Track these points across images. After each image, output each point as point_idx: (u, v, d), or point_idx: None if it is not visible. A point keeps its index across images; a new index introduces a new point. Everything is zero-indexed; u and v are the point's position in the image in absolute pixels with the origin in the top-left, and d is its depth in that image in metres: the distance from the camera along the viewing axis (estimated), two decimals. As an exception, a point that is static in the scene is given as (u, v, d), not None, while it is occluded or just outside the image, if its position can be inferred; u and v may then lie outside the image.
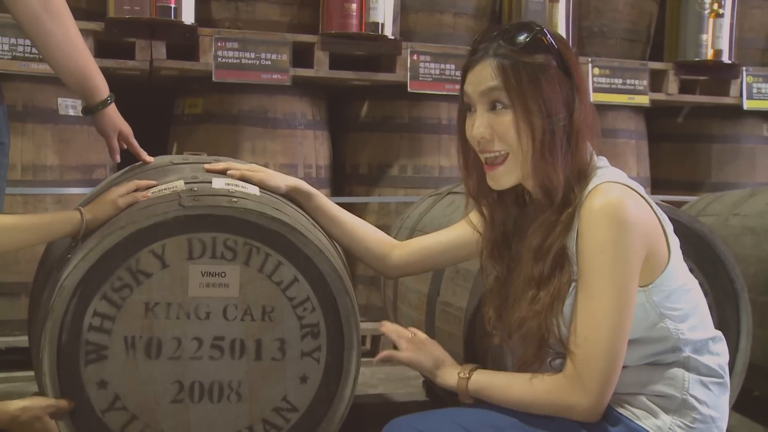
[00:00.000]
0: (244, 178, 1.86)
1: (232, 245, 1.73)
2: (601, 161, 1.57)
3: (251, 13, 3.21)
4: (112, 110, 1.98)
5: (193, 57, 3.13)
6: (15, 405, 1.58)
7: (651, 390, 1.52)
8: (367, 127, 3.56)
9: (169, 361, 1.72)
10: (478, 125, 1.51)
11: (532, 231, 1.52)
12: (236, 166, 1.91)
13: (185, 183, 1.79)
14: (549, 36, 1.50)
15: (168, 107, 3.50)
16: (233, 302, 1.74)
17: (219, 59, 3.09)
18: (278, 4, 3.22)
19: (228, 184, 1.81)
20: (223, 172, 1.89)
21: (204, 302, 1.73)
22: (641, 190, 1.52)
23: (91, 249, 1.63)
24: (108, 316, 1.68)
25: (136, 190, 1.77)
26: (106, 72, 3.10)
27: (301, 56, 3.19)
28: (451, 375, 1.62)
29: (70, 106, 3.20)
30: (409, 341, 1.71)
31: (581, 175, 1.50)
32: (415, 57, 3.27)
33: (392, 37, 3.19)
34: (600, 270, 1.42)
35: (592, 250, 1.43)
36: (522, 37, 1.49)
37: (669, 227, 1.54)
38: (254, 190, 1.83)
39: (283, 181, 1.91)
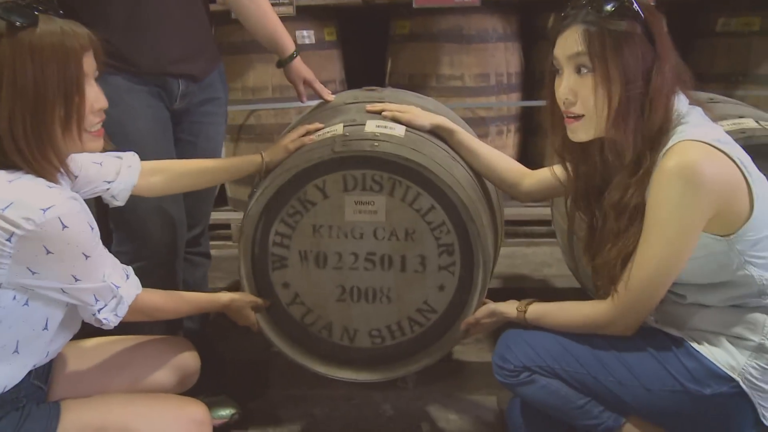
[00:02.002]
0: (394, 119, 1.89)
1: (378, 179, 1.79)
2: (689, 115, 1.39)
3: (445, -59, 3.08)
4: (298, 62, 2.08)
5: (399, -14, 3.11)
6: (226, 296, 1.79)
7: (731, 331, 1.43)
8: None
9: (333, 270, 1.86)
10: (564, 87, 1.44)
11: (611, 189, 1.47)
12: (390, 107, 1.94)
13: (344, 126, 1.85)
14: (636, 4, 1.35)
15: (386, 29, 3.52)
16: (381, 225, 1.82)
17: (418, -13, 3.03)
18: (469, -69, 3.04)
19: (378, 126, 1.85)
20: (379, 113, 1.91)
21: (358, 225, 1.82)
22: (726, 145, 1.33)
23: (267, 186, 1.78)
24: (286, 235, 1.84)
25: (306, 134, 1.85)
26: (330, 6, 3.23)
27: (490, -22, 3.03)
28: (511, 309, 1.61)
29: (306, 37, 3.35)
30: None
31: (657, 137, 1.37)
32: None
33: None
34: (658, 222, 1.35)
35: (656, 205, 1.35)
36: (609, 6, 1.37)
37: (756, 179, 1.36)
38: (401, 130, 1.85)
39: (428, 120, 1.91)
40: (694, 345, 1.43)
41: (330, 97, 2.15)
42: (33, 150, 1.29)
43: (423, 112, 1.94)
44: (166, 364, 1.66)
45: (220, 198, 3.64)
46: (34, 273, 1.28)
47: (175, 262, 1.96)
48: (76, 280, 1.33)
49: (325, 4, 3.21)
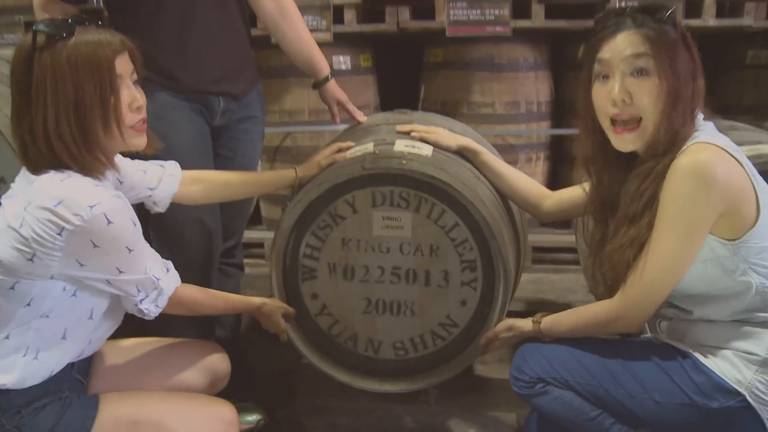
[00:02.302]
0: (422, 139, 1.96)
1: (405, 196, 1.87)
2: (704, 126, 1.49)
3: (479, -24, 3.19)
4: (332, 84, 2.18)
5: (432, 17, 3.21)
6: (259, 300, 1.85)
7: (737, 346, 1.47)
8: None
9: (360, 283, 1.94)
10: (619, 89, 1.47)
11: (631, 178, 1.52)
12: (419, 128, 2.02)
13: (374, 145, 1.93)
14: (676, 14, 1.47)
15: (420, 57, 3.63)
16: (407, 241, 1.90)
17: (451, 17, 3.14)
18: (501, -35, 3.15)
19: (407, 146, 1.93)
20: (408, 134, 2.00)
21: (385, 240, 1.90)
22: (737, 152, 1.42)
23: (299, 199, 1.87)
24: (316, 247, 1.92)
25: (338, 151, 1.94)
26: (366, 34, 3.33)
27: (521, 9, 3.13)
28: (527, 323, 1.67)
29: (342, 62, 3.46)
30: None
31: (687, 136, 1.45)
32: (623, 3, 3.03)
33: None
34: (669, 216, 1.41)
35: (668, 200, 1.41)
36: (662, 13, 1.46)
37: (763, 188, 1.42)
38: (428, 150, 1.93)
39: (454, 141, 1.98)
40: (702, 359, 1.47)
41: (362, 118, 2.24)
42: (80, 148, 1.39)
43: (450, 133, 2.02)
44: (198, 365, 1.74)
45: (255, 217, 3.74)
46: (82, 265, 1.38)
47: (210, 271, 2.05)
48: (120, 272, 1.42)
49: (361, 32, 3.32)
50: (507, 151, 3.32)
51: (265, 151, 3.56)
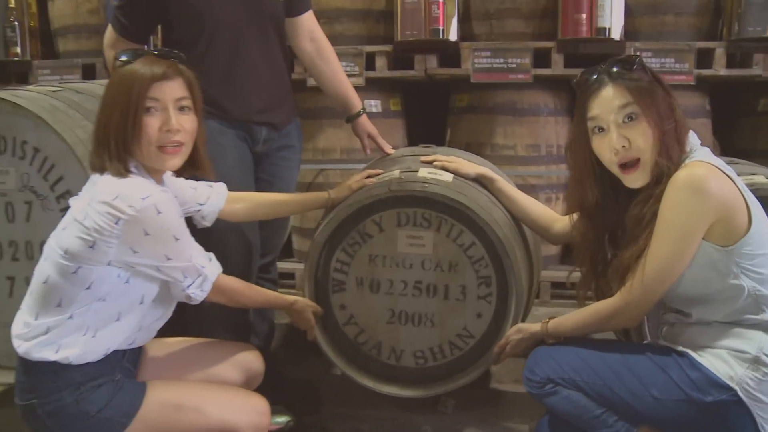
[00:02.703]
0: (444, 168, 2.16)
1: (427, 217, 2.06)
2: (699, 149, 1.68)
3: (502, 27, 3.44)
4: (363, 119, 2.42)
5: (457, 64, 3.44)
6: (292, 297, 2.05)
7: (730, 345, 1.62)
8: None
9: (385, 295, 2.12)
10: (617, 138, 1.67)
11: (634, 204, 1.69)
12: (441, 158, 2.22)
13: (400, 172, 2.13)
14: (643, 60, 1.65)
15: (446, 101, 3.86)
16: (428, 257, 2.08)
17: (475, 65, 3.37)
18: (523, 19, 3.40)
19: (429, 173, 2.13)
20: (430, 163, 2.20)
21: (408, 256, 2.09)
22: (730, 171, 1.61)
23: (331, 218, 2.07)
24: (345, 262, 2.12)
25: (368, 177, 2.14)
26: (395, 79, 3.58)
27: (542, 58, 3.34)
28: (535, 325, 1.85)
29: (373, 106, 3.71)
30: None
31: (680, 161, 1.64)
32: (638, 53, 3.24)
33: (618, 39, 3.20)
34: (666, 222, 1.58)
35: (666, 209, 1.59)
36: (631, 65, 1.67)
37: (754, 203, 1.61)
38: (449, 177, 2.13)
39: (472, 169, 2.18)
40: (697, 358, 1.62)
41: (390, 150, 2.46)
42: (111, 155, 1.61)
43: (469, 162, 2.23)
44: (234, 363, 1.92)
45: (287, 250, 3.95)
46: (135, 252, 1.59)
47: (249, 281, 2.24)
48: (168, 258, 1.63)
49: (391, 77, 3.56)
50: (528, 191, 3.44)
51: (299, 188, 3.77)
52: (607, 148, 1.68)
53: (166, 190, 1.65)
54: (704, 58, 3.26)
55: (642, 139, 1.64)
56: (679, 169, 1.61)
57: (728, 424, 1.59)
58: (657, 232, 1.60)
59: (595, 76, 1.70)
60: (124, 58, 1.65)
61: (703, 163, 1.60)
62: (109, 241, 1.56)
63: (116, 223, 1.55)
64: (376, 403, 2.18)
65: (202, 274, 1.70)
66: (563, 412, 1.75)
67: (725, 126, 3.67)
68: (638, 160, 1.66)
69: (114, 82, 1.65)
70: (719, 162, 1.63)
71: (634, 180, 1.68)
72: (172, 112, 1.66)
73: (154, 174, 1.69)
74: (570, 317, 1.81)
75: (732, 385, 1.56)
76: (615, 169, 1.70)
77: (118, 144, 1.62)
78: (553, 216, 2.12)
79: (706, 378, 1.59)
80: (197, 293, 1.71)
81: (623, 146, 1.65)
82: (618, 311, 1.68)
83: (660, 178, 1.63)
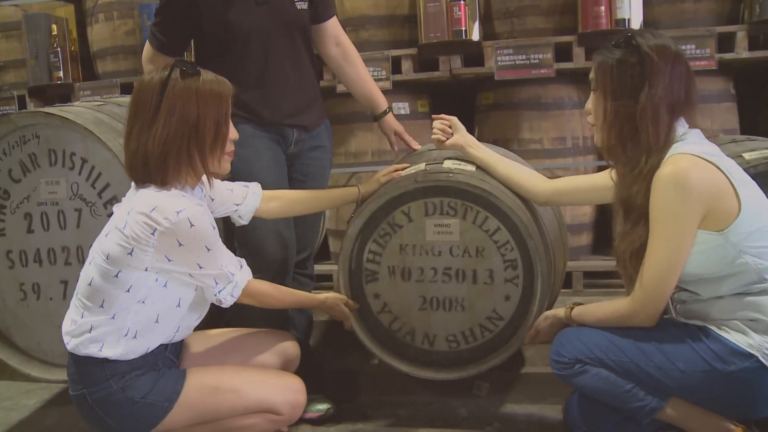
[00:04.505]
0: (441, 130, 2.30)
1: (453, 205, 2.16)
2: (688, 135, 1.73)
3: (523, 24, 3.53)
4: (390, 118, 2.52)
5: (481, 63, 3.53)
6: (322, 295, 2.16)
7: (743, 315, 1.68)
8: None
9: (416, 283, 2.21)
10: (588, 101, 1.85)
11: (620, 185, 1.80)
12: (443, 117, 2.33)
13: (426, 164, 2.23)
14: (638, 38, 1.71)
15: (473, 100, 3.95)
16: (456, 244, 2.17)
17: (499, 63, 3.46)
18: (543, 15, 3.48)
19: (454, 164, 2.22)
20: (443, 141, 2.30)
21: (437, 244, 2.18)
22: (714, 156, 1.66)
23: (362, 211, 2.18)
24: (377, 252, 2.22)
25: (395, 171, 2.25)
26: (421, 81, 3.68)
27: (563, 53, 3.42)
28: (560, 310, 1.95)
29: (401, 108, 3.82)
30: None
31: (654, 149, 1.70)
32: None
33: (637, 29, 3.25)
34: (660, 222, 1.66)
35: (655, 209, 1.67)
36: (614, 42, 1.76)
37: (742, 182, 1.67)
38: (472, 167, 2.22)
39: (452, 139, 2.28)
40: (717, 330, 1.69)
41: (416, 146, 2.56)
42: (184, 162, 1.73)
43: (458, 128, 2.29)
44: (272, 349, 2.04)
45: (323, 252, 4.07)
46: (170, 260, 1.71)
47: (285, 278, 2.36)
48: (200, 267, 1.75)
49: (417, 80, 3.67)
50: (556, 184, 3.57)
51: (333, 191, 3.91)
52: None
53: (201, 204, 1.76)
54: (726, 43, 3.30)
55: (593, 107, 1.81)
56: (663, 163, 1.66)
57: (753, 389, 1.66)
58: (652, 235, 1.68)
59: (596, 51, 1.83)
60: (194, 69, 1.73)
61: (684, 156, 1.65)
62: (146, 249, 1.69)
63: (152, 234, 1.67)
64: (412, 389, 2.27)
65: (233, 281, 1.81)
66: (594, 389, 1.81)
67: (753, 108, 3.69)
68: (593, 124, 1.82)
69: (198, 93, 1.71)
70: (702, 148, 1.68)
71: (595, 140, 1.84)
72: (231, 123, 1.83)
73: (191, 181, 1.80)
74: (593, 311, 1.87)
75: (752, 351, 1.63)
76: None
77: (196, 153, 1.73)
78: (539, 178, 2.15)
79: (727, 348, 1.65)
80: (228, 298, 1.82)
81: (588, 111, 1.84)
82: (633, 314, 1.75)
83: (633, 163, 1.72)
